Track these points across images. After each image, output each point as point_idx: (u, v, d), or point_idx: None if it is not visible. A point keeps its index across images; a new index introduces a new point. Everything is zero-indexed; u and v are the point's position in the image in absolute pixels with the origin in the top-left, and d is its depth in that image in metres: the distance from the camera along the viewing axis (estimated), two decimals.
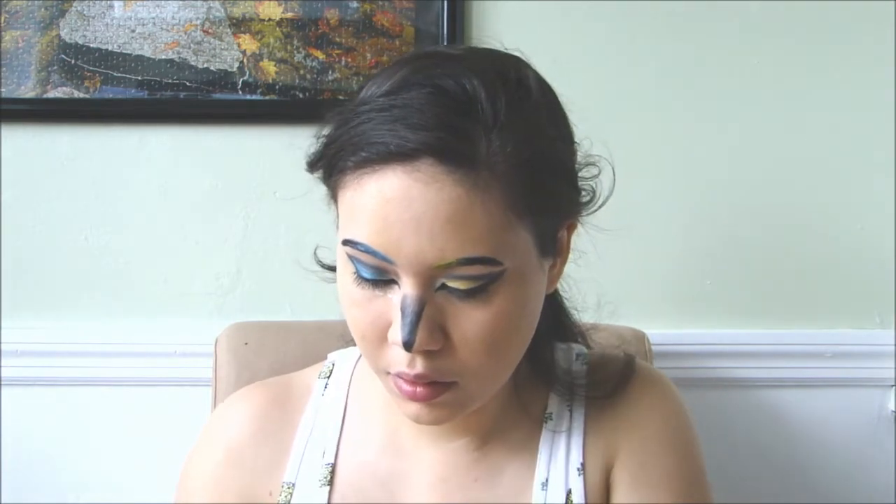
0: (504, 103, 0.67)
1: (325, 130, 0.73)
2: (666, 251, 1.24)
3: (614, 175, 0.80)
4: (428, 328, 0.67)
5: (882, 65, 1.24)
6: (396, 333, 0.67)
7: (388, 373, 0.71)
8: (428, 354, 0.68)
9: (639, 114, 1.23)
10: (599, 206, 0.78)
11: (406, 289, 0.67)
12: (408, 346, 0.67)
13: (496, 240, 0.66)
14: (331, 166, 0.70)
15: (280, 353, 1.05)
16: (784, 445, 1.26)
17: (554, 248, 0.74)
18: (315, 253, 0.85)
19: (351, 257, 0.69)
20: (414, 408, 0.71)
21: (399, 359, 0.69)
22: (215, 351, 1.07)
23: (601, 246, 0.84)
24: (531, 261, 0.70)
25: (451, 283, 0.67)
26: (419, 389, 0.70)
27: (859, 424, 1.26)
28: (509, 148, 0.66)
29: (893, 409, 1.25)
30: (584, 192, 0.76)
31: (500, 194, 0.66)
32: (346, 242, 0.68)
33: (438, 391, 0.70)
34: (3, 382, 1.20)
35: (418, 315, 0.66)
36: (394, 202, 0.65)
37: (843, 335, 1.24)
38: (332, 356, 0.89)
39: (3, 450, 1.22)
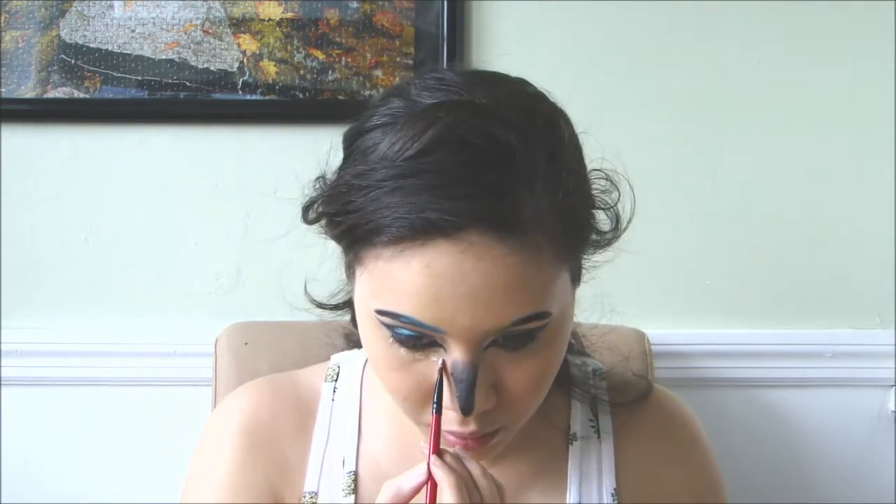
0: (540, 151, 0.64)
1: (330, 187, 0.69)
2: (665, 251, 1.24)
3: (633, 191, 0.78)
4: (483, 391, 0.65)
5: (882, 65, 1.24)
6: (451, 400, 0.65)
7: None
8: (482, 412, 0.66)
9: (638, 114, 1.23)
10: (623, 230, 0.75)
11: (456, 354, 0.64)
12: (466, 412, 0.64)
13: (547, 293, 0.65)
14: (354, 235, 0.66)
15: (280, 353, 1.05)
16: (784, 445, 1.26)
17: (580, 274, 0.73)
18: (306, 291, 0.82)
19: (388, 325, 0.65)
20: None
21: (449, 419, 0.67)
22: (215, 351, 1.07)
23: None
24: (570, 297, 0.69)
25: (504, 339, 0.65)
26: (470, 442, 0.68)
27: (859, 424, 1.26)
28: (552, 199, 0.64)
29: (893, 409, 1.25)
30: (607, 218, 0.74)
31: (549, 248, 0.64)
32: (383, 313, 0.65)
33: (489, 438, 0.69)
34: (3, 382, 1.20)
35: (473, 381, 0.64)
36: (445, 278, 0.61)
37: (843, 335, 1.24)
38: (335, 358, 0.88)
39: (3, 450, 1.22)
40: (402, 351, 0.66)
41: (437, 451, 0.67)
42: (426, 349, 0.66)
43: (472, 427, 0.67)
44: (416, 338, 0.65)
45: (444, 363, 0.65)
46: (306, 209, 0.74)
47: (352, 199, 0.65)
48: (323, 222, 0.71)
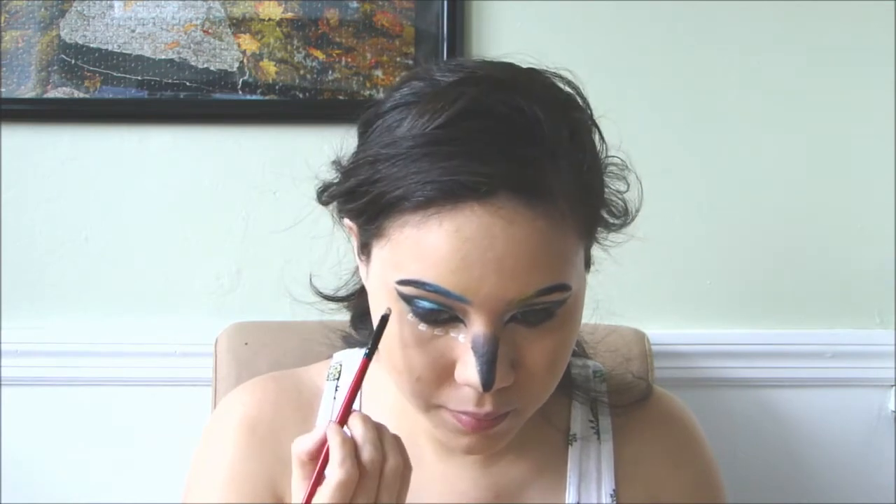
0: (563, 126, 0.65)
1: (351, 162, 0.69)
2: (666, 251, 1.24)
3: (640, 182, 0.79)
4: (504, 366, 0.64)
5: (882, 65, 1.24)
6: (471, 375, 0.64)
7: (442, 407, 0.69)
8: (498, 390, 0.65)
9: (637, 113, 1.23)
10: (633, 217, 0.76)
11: (477, 328, 0.64)
12: (486, 387, 0.64)
13: (569, 265, 0.65)
14: (379, 204, 0.65)
15: (280, 353, 1.05)
16: (784, 445, 1.26)
17: (591, 259, 0.73)
18: (311, 283, 0.83)
19: (409, 297, 0.65)
20: (467, 441, 0.69)
21: (465, 397, 0.66)
22: (215, 351, 1.07)
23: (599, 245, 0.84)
24: (584, 279, 0.70)
25: (523, 314, 0.65)
26: (483, 423, 0.68)
27: (859, 424, 1.26)
28: (575, 172, 0.65)
29: (893, 409, 1.25)
30: (616, 205, 0.75)
31: (573, 220, 0.65)
32: (406, 283, 0.64)
33: (499, 420, 0.68)
34: (3, 382, 1.20)
35: (494, 355, 0.63)
36: (474, 241, 0.61)
37: (843, 335, 1.24)
38: (338, 356, 0.88)
39: (3, 450, 1.22)
40: (421, 326, 0.65)
41: (350, 403, 0.65)
42: (445, 325, 0.65)
43: (487, 407, 0.66)
44: (437, 312, 0.64)
45: (388, 310, 0.65)
46: (321, 192, 0.73)
47: (378, 169, 0.65)
48: (336, 204, 0.71)
